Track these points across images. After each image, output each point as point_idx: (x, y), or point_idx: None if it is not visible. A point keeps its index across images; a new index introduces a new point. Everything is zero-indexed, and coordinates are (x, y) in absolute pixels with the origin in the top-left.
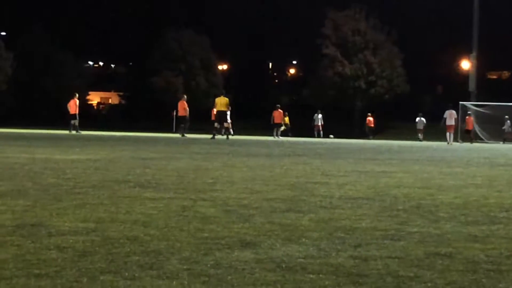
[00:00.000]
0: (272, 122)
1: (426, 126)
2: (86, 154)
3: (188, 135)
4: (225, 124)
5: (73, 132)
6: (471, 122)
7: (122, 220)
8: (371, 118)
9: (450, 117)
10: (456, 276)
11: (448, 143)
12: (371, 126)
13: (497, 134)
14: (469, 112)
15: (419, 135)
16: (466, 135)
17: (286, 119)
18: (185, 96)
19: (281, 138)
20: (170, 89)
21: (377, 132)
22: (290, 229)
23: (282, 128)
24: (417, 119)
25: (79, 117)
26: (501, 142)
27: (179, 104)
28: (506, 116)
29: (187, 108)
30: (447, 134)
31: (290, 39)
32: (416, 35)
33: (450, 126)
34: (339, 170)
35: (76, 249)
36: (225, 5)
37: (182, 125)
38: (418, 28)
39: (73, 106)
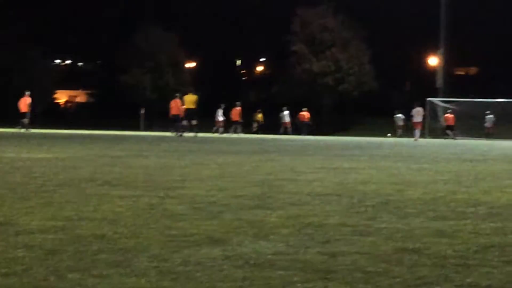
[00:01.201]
0: (230, 120)
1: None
2: (53, 152)
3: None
4: (193, 122)
5: (23, 130)
6: (451, 118)
7: (90, 218)
8: (305, 113)
9: (418, 114)
10: (425, 271)
11: (415, 139)
12: (305, 121)
13: (465, 129)
14: (449, 110)
15: (399, 131)
16: (447, 131)
17: (260, 116)
18: (179, 95)
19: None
20: (138, 87)
21: (342, 129)
22: (258, 226)
23: (255, 125)
24: (395, 115)
25: (31, 114)
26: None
27: (173, 102)
28: (488, 112)
29: (181, 107)
30: (415, 131)
31: (258, 36)
32: (384, 32)
33: (417, 123)
34: (308, 166)
35: (44, 247)
36: (193, 2)
37: (179, 123)
38: (386, 25)
39: (24, 104)
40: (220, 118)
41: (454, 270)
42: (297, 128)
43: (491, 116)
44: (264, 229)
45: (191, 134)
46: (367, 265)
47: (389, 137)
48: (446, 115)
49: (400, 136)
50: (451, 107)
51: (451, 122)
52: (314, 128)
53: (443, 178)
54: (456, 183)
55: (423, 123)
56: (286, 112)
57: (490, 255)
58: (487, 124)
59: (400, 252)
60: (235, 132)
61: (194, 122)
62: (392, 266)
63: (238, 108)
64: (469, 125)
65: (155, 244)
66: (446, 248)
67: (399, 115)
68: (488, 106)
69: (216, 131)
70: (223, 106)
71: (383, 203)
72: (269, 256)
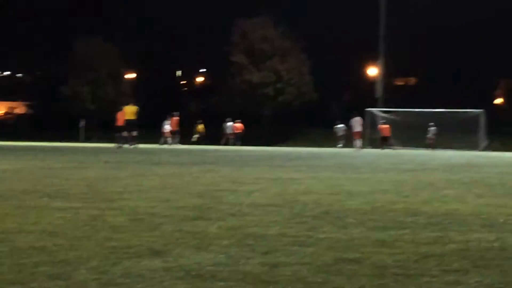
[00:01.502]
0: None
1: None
2: None
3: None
4: (134, 133)
5: None
6: (386, 129)
7: (30, 230)
8: (237, 125)
9: (357, 124)
10: (365, 281)
11: (355, 149)
12: (238, 132)
13: (405, 139)
14: (382, 121)
15: (340, 141)
16: (384, 142)
17: (201, 126)
18: (124, 107)
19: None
20: (78, 98)
21: (282, 139)
22: (199, 237)
23: (196, 136)
24: (336, 126)
25: None
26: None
27: (119, 114)
28: (431, 123)
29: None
30: (355, 141)
31: (198, 46)
32: (323, 43)
33: (357, 132)
34: (248, 177)
35: None
36: (133, 13)
37: (118, 134)
38: (326, 36)
39: None
40: (167, 129)
41: (394, 279)
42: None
43: (434, 128)
44: (205, 240)
45: (132, 146)
46: (308, 276)
47: (340, 147)
48: (380, 125)
49: (342, 147)
50: (389, 117)
51: (387, 133)
52: (245, 139)
53: (382, 188)
54: (396, 193)
55: (362, 132)
56: (229, 124)
57: (429, 264)
58: (430, 135)
59: (340, 262)
60: (165, 143)
61: (134, 133)
62: (332, 276)
63: (176, 118)
64: (409, 135)
65: (96, 256)
66: (386, 258)
67: (340, 125)
68: (427, 116)
69: (165, 142)
70: (169, 117)
71: (323, 213)
72: (210, 267)
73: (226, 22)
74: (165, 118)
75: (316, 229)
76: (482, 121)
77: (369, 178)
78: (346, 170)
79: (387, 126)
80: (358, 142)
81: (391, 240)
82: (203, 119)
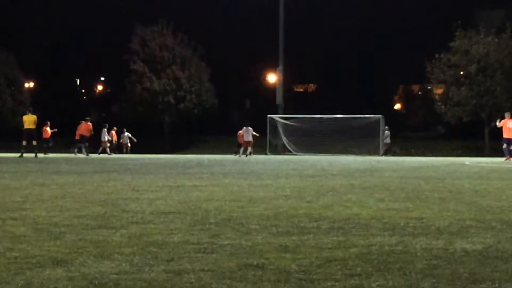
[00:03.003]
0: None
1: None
2: None
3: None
4: (34, 142)
5: None
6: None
7: None
8: (113, 132)
9: (247, 133)
10: (269, 287)
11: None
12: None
13: (304, 146)
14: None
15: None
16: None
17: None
18: (89, 118)
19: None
20: None
21: (184, 147)
22: (102, 246)
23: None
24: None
25: None
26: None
27: (83, 125)
28: (386, 127)
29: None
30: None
31: (97, 55)
32: (223, 50)
33: (248, 141)
34: (150, 185)
35: None
36: (31, 22)
37: (80, 144)
38: (225, 43)
39: None
40: (106, 138)
41: (298, 284)
42: (119, 147)
43: (388, 132)
44: (107, 248)
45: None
46: (212, 282)
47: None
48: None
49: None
50: (291, 123)
51: (241, 140)
52: (147, 146)
53: (285, 193)
54: (298, 198)
55: (254, 141)
56: (126, 134)
57: (333, 268)
58: (386, 140)
59: (244, 268)
60: (79, 151)
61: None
62: (236, 283)
63: (88, 124)
64: (309, 141)
65: None
66: (290, 263)
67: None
68: (326, 121)
69: (104, 151)
70: (107, 126)
71: (226, 220)
72: (113, 276)
73: (125, 30)
74: (103, 127)
75: (219, 235)
76: (382, 126)
77: (271, 184)
78: (248, 177)
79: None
80: (249, 149)
81: (294, 246)
82: (98, 128)
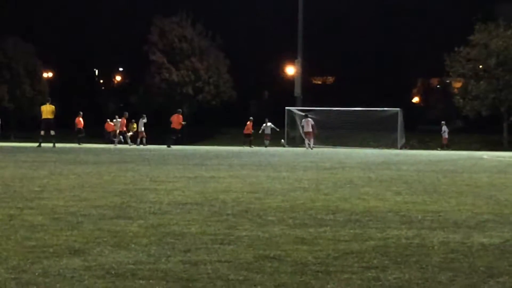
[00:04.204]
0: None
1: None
2: None
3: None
4: (52, 132)
5: None
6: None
7: None
8: (134, 125)
9: (307, 124)
10: (285, 278)
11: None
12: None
13: (323, 138)
14: (250, 118)
15: (266, 141)
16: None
17: (134, 126)
18: (180, 110)
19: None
20: None
21: (202, 138)
22: (119, 236)
23: (130, 134)
24: (264, 125)
25: None
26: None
27: (175, 117)
28: (443, 122)
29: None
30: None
31: (116, 45)
32: (242, 41)
33: (308, 132)
34: (168, 176)
35: None
36: (50, 11)
37: (174, 137)
38: (244, 35)
39: None
40: (142, 128)
41: (314, 276)
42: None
43: (445, 127)
44: (124, 238)
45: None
46: (229, 273)
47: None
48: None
49: (265, 146)
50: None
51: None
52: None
53: (302, 186)
54: (315, 190)
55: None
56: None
57: (349, 261)
58: (444, 135)
59: (260, 259)
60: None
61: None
62: (253, 274)
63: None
64: (326, 133)
65: (14, 256)
66: (306, 255)
67: (268, 124)
68: (343, 114)
69: (141, 143)
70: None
71: (243, 211)
72: (130, 266)
73: (144, 21)
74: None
75: (236, 227)
76: (400, 119)
77: (288, 176)
78: (265, 169)
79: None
80: (312, 141)
81: (311, 238)
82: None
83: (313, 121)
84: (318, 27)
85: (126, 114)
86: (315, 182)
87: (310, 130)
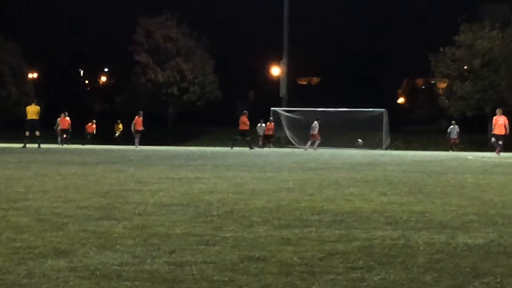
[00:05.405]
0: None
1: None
2: None
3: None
4: (37, 133)
5: None
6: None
7: None
8: (120, 125)
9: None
10: (271, 279)
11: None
12: (90, 132)
13: (308, 139)
14: (270, 118)
15: (259, 142)
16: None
17: (120, 126)
18: (246, 112)
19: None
20: None
21: (187, 139)
22: (104, 237)
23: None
24: (259, 125)
25: None
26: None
27: (242, 118)
28: (453, 121)
29: (247, 123)
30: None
31: (101, 46)
32: (227, 42)
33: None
34: (153, 177)
35: None
36: (35, 12)
37: (239, 137)
38: (229, 35)
39: None
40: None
41: (300, 277)
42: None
43: (456, 126)
44: (110, 240)
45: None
46: (214, 274)
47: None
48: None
49: (261, 147)
50: (294, 116)
51: (271, 132)
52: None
53: (287, 186)
54: (300, 191)
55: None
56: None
57: (335, 261)
58: (452, 135)
59: (246, 260)
60: (61, 142)
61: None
62: (238, 275)
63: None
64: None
65: None
66: (292, 256)
67: (263, 125)
68: (329, 114)
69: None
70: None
71: (229, 212)
72: (116, 267)
73: (129, 21)
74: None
75: (221, 228)
76: (385, 120)
77: (274, 177)
78: (251, 169)
79: (272, 124)
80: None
81: (296, 238)
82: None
83: (298, 121)
84: (303, 28)
85: (141, 113)
86: (300, 183)
87: (316, 132)
